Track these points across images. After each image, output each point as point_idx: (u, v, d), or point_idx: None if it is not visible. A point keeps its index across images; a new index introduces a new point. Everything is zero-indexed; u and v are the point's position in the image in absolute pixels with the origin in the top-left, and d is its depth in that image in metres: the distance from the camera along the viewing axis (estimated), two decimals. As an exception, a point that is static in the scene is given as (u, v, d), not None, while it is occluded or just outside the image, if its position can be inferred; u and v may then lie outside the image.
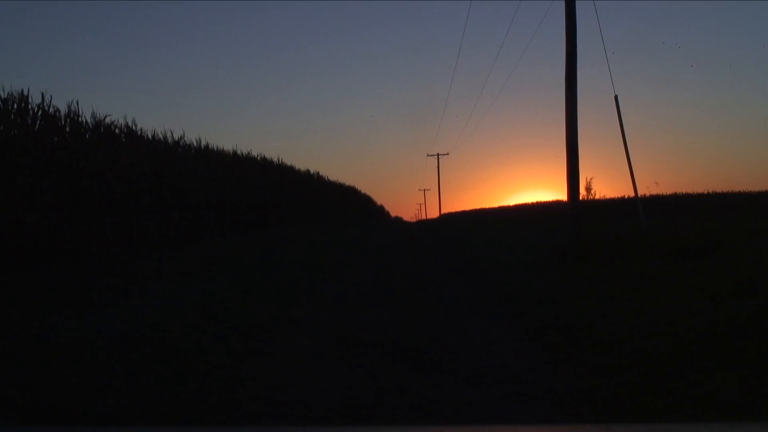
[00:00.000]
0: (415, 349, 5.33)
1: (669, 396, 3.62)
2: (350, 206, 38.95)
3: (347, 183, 39.11)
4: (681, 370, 3.89)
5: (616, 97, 10.94)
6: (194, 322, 5.74)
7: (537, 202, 35.39)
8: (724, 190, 30.65)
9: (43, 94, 8.10)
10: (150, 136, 11.43)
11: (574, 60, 11.73)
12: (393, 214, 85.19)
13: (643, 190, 26.43)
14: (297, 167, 24.07)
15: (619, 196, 24.85)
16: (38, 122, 7.90)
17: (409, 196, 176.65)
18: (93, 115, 9.37)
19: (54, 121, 8.26)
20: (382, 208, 66.73)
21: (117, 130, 9.98)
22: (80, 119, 8.93)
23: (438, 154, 58.10)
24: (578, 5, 11.71)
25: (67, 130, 8.58)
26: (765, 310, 4.34)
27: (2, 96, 7.45)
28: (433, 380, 4.38)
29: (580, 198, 11.45)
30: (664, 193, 28.18)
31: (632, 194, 11.11)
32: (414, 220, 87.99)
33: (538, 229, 15.92)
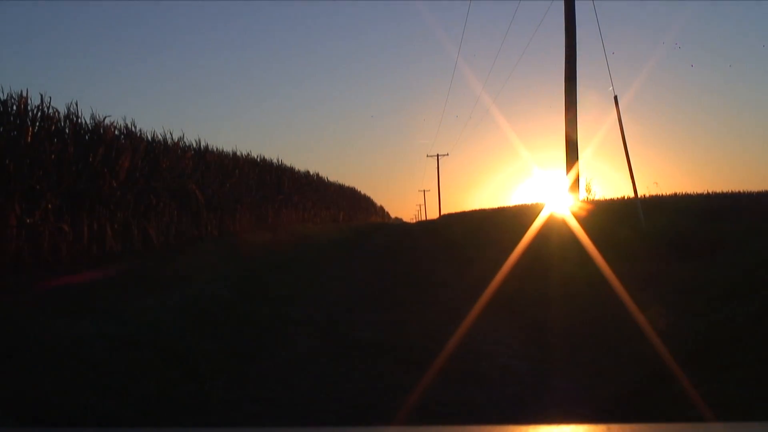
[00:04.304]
0: (415, 350, 5.33)
1: (669, 396, 3.62)
2: (350, 207, 38.93)
3: (347, 184, 39.08)
4: (681, 370, 3.89)
5: (615, 98, 10.93)
6: (194, 324, 5.74)
7: (537, 204, 35.30)
8: (724, 190, 30.57)
9: (42, 96, 8.10)
10: (149, 138, 11.43)
11: (573, 60, 11.75)
12: (393, 214, 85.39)
13: (643, 190, 26.33)
14: (297, 168, 24.09)
15: (619, 196, 24.73)
16: (37, 123, 7.89)
17: (409, 196, 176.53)
18: (92, 117, 9.37)
19: (53, 123, 8.25)
20: (381, 208, 66.76)
21: (116, 131, 9.97)
22: (79, 120, 8.92)
23: (438, 155, 58.15)
24: (577, 5, 11.73)
25: (67, 131, 8.57)
26: (765, 311, 4.33)
27: (2, 98, 7.44)
28: (433, 381, 4.38)
29: (580, 198, 11.45)
30: (664, 193, 28.07)
31: (632, 194, 11.10)
32: (414, 220, 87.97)
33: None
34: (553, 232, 10.18)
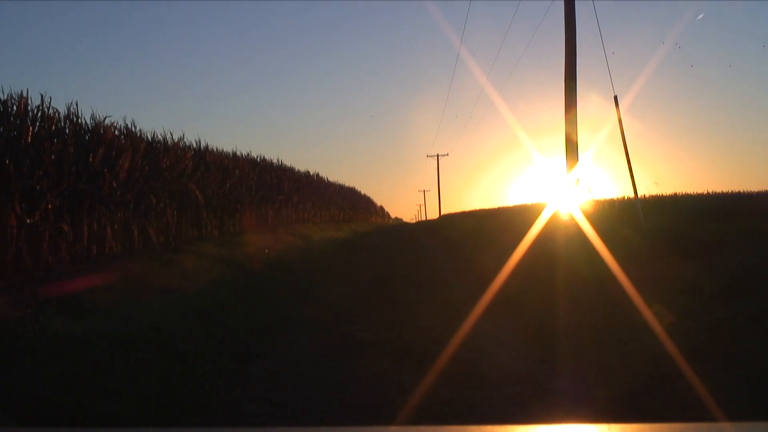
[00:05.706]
0: (415, 350, 5.33)
1: (670, 395, 3.62)
2: (350, 207, 38.93)
3: (347, 184, 39.07)
4: (681, 370, 3.90)
5: (615, 98, 10.92)
6: (194, 324, 5.74)
7: (537, 203, 35.21)
8: (724, 190, 30.52)
9: (42, 96, 8.09)
10: (149, 138, 11.40)
11: (573, 60, 11.75)
12: (393, 215, 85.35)
13: (643, 190, 26.23)
14: (297, 168, 24.06)
15: (620, 196, 24.66)
16: (38, 124, 7.87)
17: (409, 196, 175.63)
18: (92, 117, 9.35)
19: (53, 123, 8.23)
20: (381, 208, 66.73)
21: (116, 132, 9.96)
22: (79, 121, 8.91)
23: (438, 155, 58.21)
24: (577, 5, 11.73)
25: (67, 131, 8.56)
26: (765, 310, 4.33)
27: (2, 98, 7.43)
28: (433, 381, 4.38)
29: (580, 198, 11.45)
30: (664, 193, 28.02)
31: (632, 194, 11.10)
32: (414, 221, 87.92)
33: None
34: (553, 231, 10.18)
